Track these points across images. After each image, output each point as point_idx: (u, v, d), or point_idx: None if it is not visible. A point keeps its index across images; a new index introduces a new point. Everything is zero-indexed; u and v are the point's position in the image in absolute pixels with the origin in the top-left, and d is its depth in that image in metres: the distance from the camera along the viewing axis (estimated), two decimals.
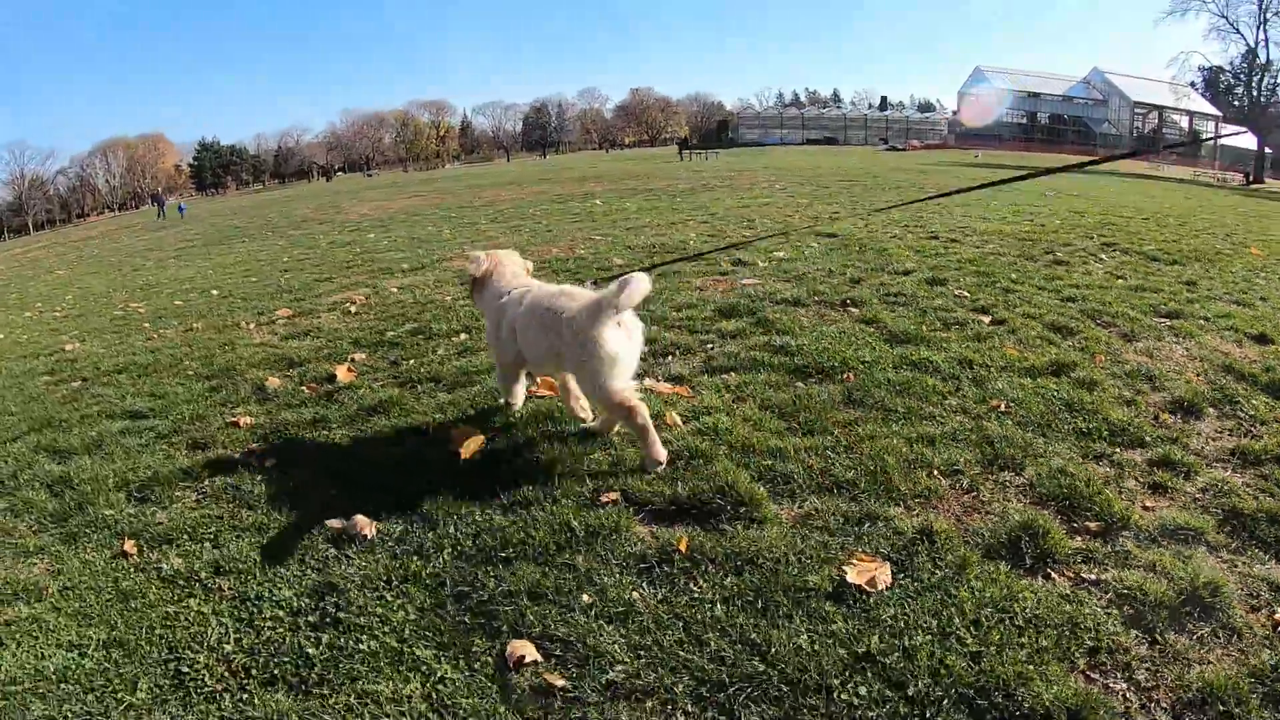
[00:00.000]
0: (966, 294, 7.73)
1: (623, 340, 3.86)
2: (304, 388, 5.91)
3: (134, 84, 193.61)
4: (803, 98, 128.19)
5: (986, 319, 6.75)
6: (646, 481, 3.94)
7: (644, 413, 3.92)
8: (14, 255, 38.02)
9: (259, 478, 4.42)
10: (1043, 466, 4.09)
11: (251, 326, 8.51)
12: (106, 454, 5.05)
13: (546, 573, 3.33)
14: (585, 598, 3.16)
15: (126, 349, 8.20)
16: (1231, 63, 65.41)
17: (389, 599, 3.30)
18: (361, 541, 3.69)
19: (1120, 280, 8.76)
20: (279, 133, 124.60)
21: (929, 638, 2.85)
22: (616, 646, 2.91)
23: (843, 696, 2.62)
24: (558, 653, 2.92)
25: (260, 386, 6.09)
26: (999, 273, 8.82)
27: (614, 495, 3.85)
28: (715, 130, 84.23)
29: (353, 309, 8.72)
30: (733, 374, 5.45)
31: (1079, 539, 3.50)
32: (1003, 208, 15.32)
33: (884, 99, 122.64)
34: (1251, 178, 48.07)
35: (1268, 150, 53.73)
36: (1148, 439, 4.53)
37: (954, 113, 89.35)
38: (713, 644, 2.88)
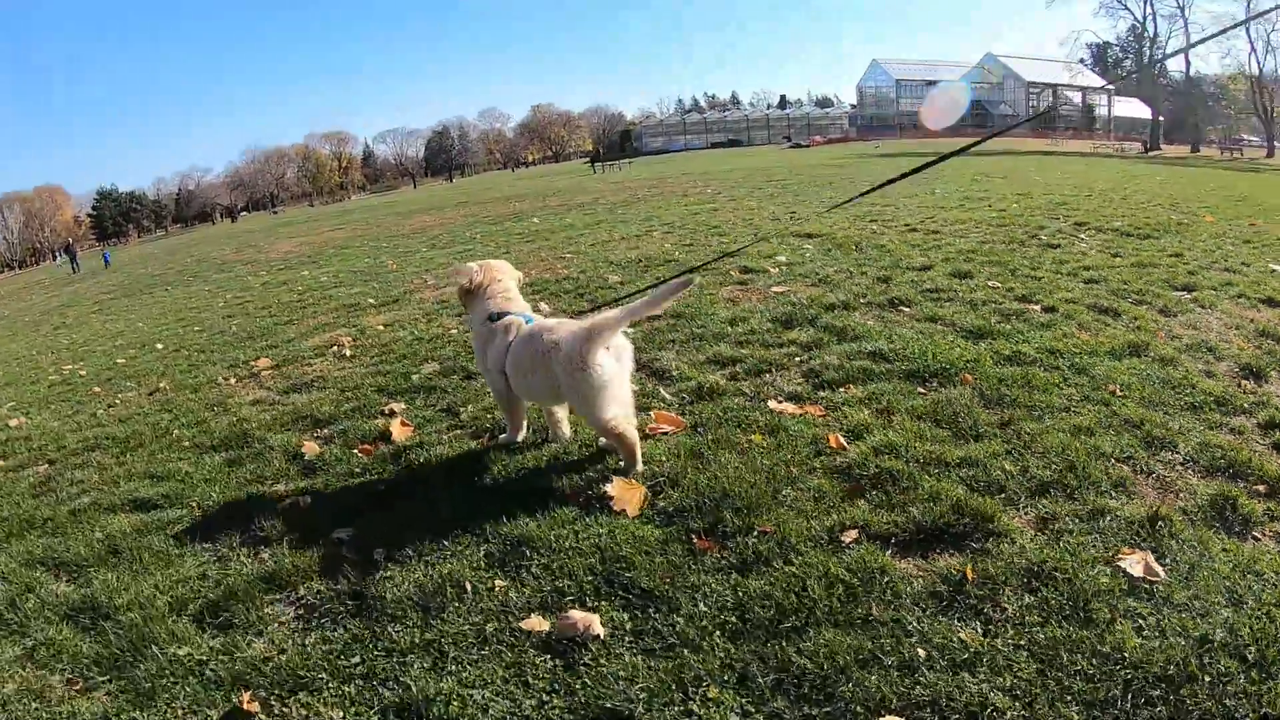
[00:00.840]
0: (998, 284, 7.50)
1: (612, 366, 3.81)
2: (355, 451, 4.95)
3: (22, 137, 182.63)
4: (702, 102, 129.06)
5: (1036, 307, 6.61)
6: (872, 512, 3.50)
7: (633, 438, 3.96)
8: None
9: (376, 575, 3.41)
10: (1190, 442, 4.09)
11: (232, 381, 7.42)
12: (132, 563, 3.90)
13: (853, 634, 2.77)
14: (920, 651, 2.67)
15: (88, 420, 7.02)
16: (1118, 37, 68.73)
17: (698, 711, 2.51)
18: (595, 644, 2.83)
19: (1118, 258, 8.74)
20: (178, 175, 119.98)
21: (1230, 611, 2.78)
22: (996, 696, 2.48)
23: (1207, 679, 2.48)
24: None
25: (294, 454, 5.05)
26: (1010, 261, 8.60)
27: (853, 534, 3.36)
28: (619, 141, 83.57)
29: (346, 352, 7.68)
30: (852, 387, 4.99)
31: (1258, 502, 3.53)
32: (951, 195, 15.22)
33: (783, 98, 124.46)
34: (1149, 146, 50.11)
35: (1160, 118, 56.14)
36: (1245, 405, 4.64)
37: (853, 106, 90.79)
38: (1067, 663, 2.60)
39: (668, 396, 5.07)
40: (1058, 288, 7.33)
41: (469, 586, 3.21)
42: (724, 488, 3.70)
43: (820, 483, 3.76)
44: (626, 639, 2.85)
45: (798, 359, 5.57)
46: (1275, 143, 56.01)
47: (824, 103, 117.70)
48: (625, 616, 2.96)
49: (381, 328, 8.63)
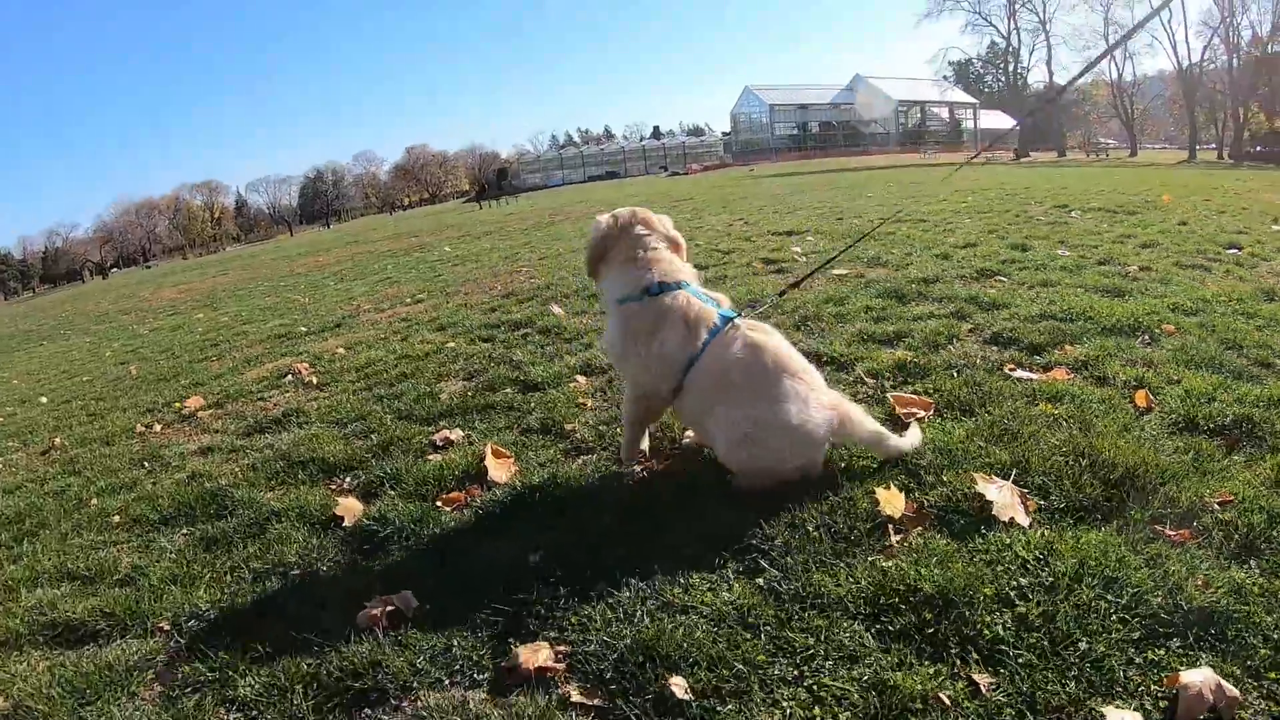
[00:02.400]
0: (1069, 252, 6.81)
1: None
2: (437, 504, 3.07)
3: None
4: (576, 137, 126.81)
5: (1133, 267, 6.09)
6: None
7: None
8: None
9: None
10: None
11: (158, 429, 5.31)
12: None
13: None
14: None
15: None
16: (979, 54, 71.96)
17: None
18: None
19: (1145, 229, 8.22)
20: (44, 232, 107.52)
21: None
22: None
23: None
24: None
25: (320, 520, 3.10)
26: (1044, 234, 7.98)
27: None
28: (495, 178, 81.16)
29: (310, 379, 5.71)
30: (1068, 348, 4.08)
31: None
32: (891, 199, 14.44)
33: (656, 129, 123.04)
34: (1019, 154, 52.13)
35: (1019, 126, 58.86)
36: None
37: (725, 134, 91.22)
38: None
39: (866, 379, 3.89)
40: (1129, 252, 6.72)
41: None
42: (1090, 462, 2.71)
43: (1183, 442, 2.92)
44: None
45: (966, 329, 4.61)
46: (1137, 142, 60.00)
47: (696, 131, 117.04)
48: None
49: (342, 350, 6.65)
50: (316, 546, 2.89)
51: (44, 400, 8.07)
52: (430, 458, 3.54)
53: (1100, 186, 15.57)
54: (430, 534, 2.84)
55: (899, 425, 3.12)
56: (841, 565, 2.27)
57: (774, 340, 2.80)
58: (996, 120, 70.88)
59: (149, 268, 74.33)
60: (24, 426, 6.72)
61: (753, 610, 2.13)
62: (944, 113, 76.11)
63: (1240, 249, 6.97)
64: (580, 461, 3.35)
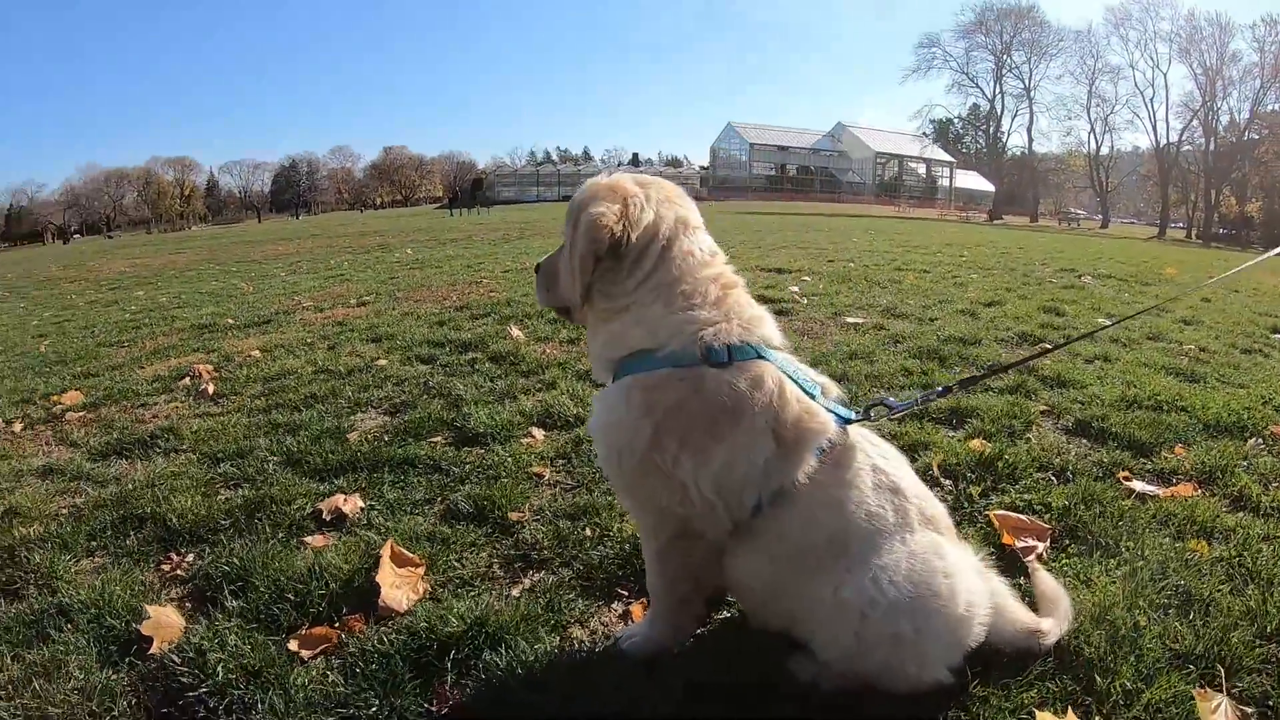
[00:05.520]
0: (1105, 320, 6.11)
1: None
2: (296, 646, 1.88)
3: None
4: (554, 156, 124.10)
5: (1189, 346, 5.36)
6: None
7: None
8: None
9: None
10: None
11: (17, 429, 4.18)
12: None
13: None
14: None
15: None
16: (959, 115, 72.62)
17: None
18: None
19: (1173, 302, 7.42)
20: (9, 189, 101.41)
21: None
22: None
23: None
24: None
25: (129, 643, 1.93)
26: (1089, 300, 7.28)
27: None
28: (470, 188, 79.25)
29: (207, 388, 4.57)
30: (1188, 449, 3.22)
31: None
32: (883, 246, 13.53)
33: (635, 156, 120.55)
34: (993, 215, 52.30)
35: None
36: None
37: (703, 168, 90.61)
38: None
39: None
40: (1169, 328, 5.90)
41: None
42: None
43: None
44: None
45: (1039, 410, 3.63)
46: (1109, 215, 60.21)
47: (674, 162, 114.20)
48: None
49: (257, 353, 5.53)
50: (97, 689, 1.76)
51: None
52: (307, 542, 2.43)
53: (1092, 253, 15.07)
54: (263, 707, 1.70)
55: (1007, 561, 2.18)
56: None
57: (906, 471, 1.72)
58: (972, 181, 71.28)
59: (110, 238, 71.88)
60: None
61: None
62: (921, 169, 76.27)
63: None
64: (528, 584, 2.19)
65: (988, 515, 2.47)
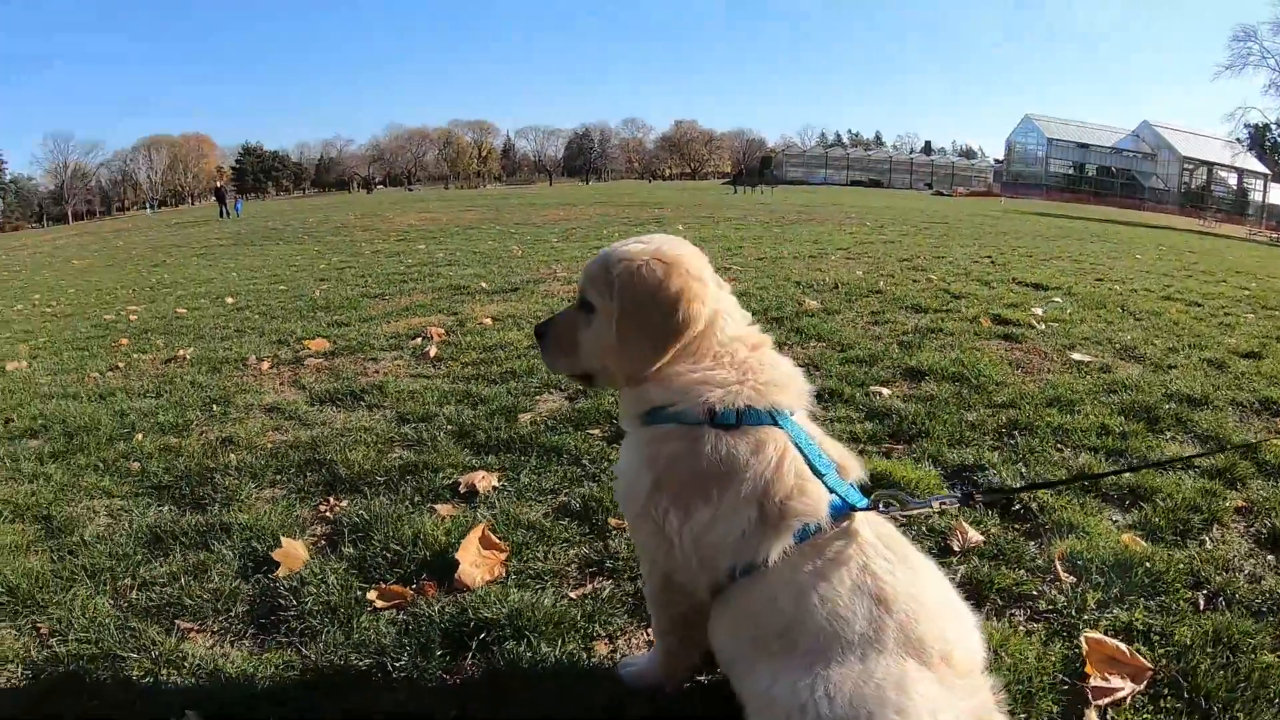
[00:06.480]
0: None
1: None
2: (374, 596, 2.30)
3: (181, 84, 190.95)
4: (845, 139, 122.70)
5: None
6: None
7: None
8: (44, 240, 34.50)
9: None
10: None
11: (265, 367, 5.10)
12: None
13: None
14: None
15: (74, 382, 5.12)
16: (1278, 120, 62.52)
17: None
18: None
19: None
20: (322, 142, 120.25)
21: None
22: None
23: None
24: None
25: (260, 563, 2.51)
26: None
27: None
28: (759, 165, 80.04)
29: (430, 350, 5.26)
30: None
31: None
32: (1159, 265, 11.96)
33: (928, 144, 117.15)
34: None
35: None
36: None
37: (997, 161, 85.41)
38: None
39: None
40: None
41: None
42: None
43: None
44: None
45: (1234, 506, 2.92)
46: None
47: (968, 153, 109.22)
48: None
49: (489, 321, 6.21)
50: (224, 594, 2.32)
51: (229, 301, 8.43)
52: (437, 509, 2.83)
53: None
54: (325, 637, 2.12)
55: (1073, 700, 1.90)
56: None
57: (907, 581, 1.57)
58: None
59: (411, 190, 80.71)
60: (187, 326, 7.08)
61: None
62: (1232, 179, 66.24)
63: None
64: (589, 589, 2.35)
65: (1082, 638, 2.08)
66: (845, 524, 1.60)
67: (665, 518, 1.65)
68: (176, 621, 2.21)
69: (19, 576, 2.40)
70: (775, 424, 1.65)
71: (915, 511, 1.69)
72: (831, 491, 1.62)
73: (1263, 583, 2.41)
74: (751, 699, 1.53)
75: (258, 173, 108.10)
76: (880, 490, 1.69)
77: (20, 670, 2.05)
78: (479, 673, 1.97)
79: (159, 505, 2.99)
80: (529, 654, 2.00)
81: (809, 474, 1.63)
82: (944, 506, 1.93)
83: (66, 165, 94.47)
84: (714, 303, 1.72)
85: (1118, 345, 5.25)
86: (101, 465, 3.41)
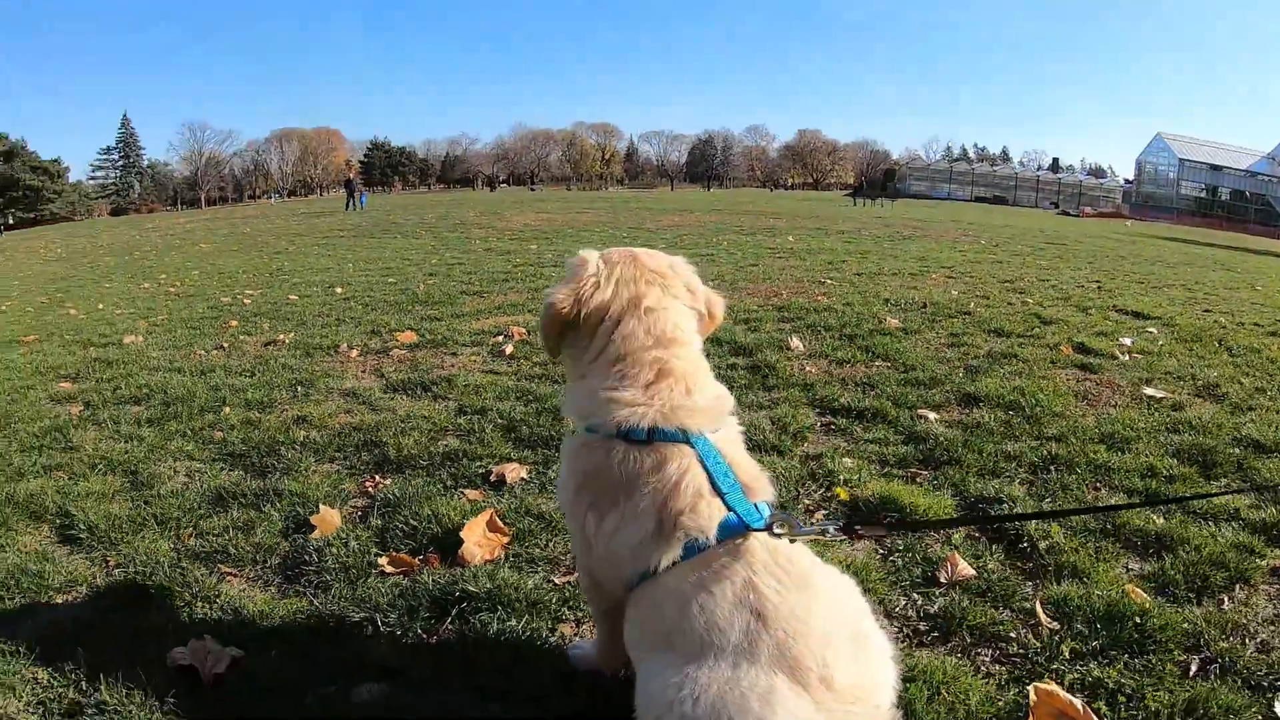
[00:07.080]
0: None
1: None
2: (384, 563, 2.65)
3: (312, 80, 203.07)
4: (970, 153, 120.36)
5: None
6: None
7: None
8: (176, 224, 36.91)
9: None
10: None
11: (354, 355, 5.56)
12: None
13: None
14: None
15: (181, 358, 5.76)
16: None
17: None
18: None
19: None
20: (448, 139, 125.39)
21: None
22: None
23: None
24: None
25: (300, 524, 2.91)
26: None
27: None
28: (881, 178, 79.01)
29: (506, 349, 5.60)
30: None
31: None
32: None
33: (1055, 161, 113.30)
34: None
35: None
36: None
37: (1127, 181, 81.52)
38: None
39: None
40: None
41: None
42: None
43: None
44: None
45: (1269, 565, 2.72)
46: None
47: (1097, 172, 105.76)
48: None
49: None
50: (264, 549, 2.74)
51: (338, 290, 9.07)
52: (466, 494, 3.14)
53: None
54: (334, 590, 2.48)
55: None
56: None
57: (809, 604, 1.66)
58: None
59: (533, 189, 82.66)
60: (295, 312, 7.68)
61: None
62: None
63: None
64: (574, 578, 2.56)
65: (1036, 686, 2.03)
66: (737, 542, 1.70)
67: (585, 519, 1.83)
68: (219, 566, 2.61)
69: (100, 518, 2.88)
70: (687, 442, 1.78)
71: (802, 535, 1.74)
72: (731, 510, 1.73)
73: (1273, 654, 2.24)
74: (637, 694, 1.68)
75: (384, 167, 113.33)
76: (775, 513, 1.78)
77: (86, 590, 2.49)
78: (453, 637, 2.26)
79: (230, 470, 3.44)
80: (496, 625, 2.26)
81: (708, 492, 1.74)
82: (829, 537, 1.95)
83: (201, 153, 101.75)
84: (617, 309, 1.88)
85: (1200, 382, 5.07)
86: (189, 432, 3.91)
